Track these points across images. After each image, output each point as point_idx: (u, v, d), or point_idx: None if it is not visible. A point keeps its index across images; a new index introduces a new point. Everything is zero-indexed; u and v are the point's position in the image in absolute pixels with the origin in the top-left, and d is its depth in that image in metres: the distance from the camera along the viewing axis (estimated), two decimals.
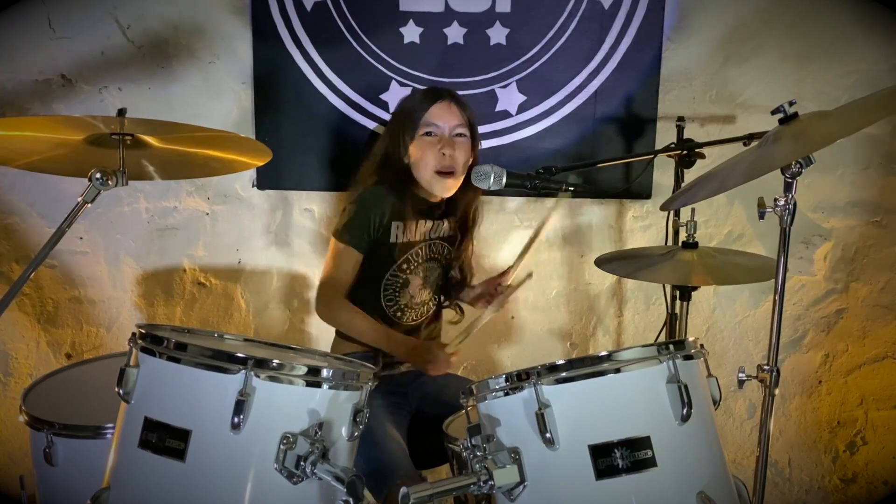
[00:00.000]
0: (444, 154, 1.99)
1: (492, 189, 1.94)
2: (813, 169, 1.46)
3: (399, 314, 2.08)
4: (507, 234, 2.60)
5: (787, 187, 1.48)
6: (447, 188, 2.03)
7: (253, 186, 2.56)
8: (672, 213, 2.26)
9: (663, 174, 2.45)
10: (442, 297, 2.22)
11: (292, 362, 1.40)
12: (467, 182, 2.08)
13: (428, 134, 2.00)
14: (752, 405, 2.70)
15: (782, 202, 1.48)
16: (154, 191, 2.56)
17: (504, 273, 2.12)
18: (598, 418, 1.37)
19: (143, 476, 1.38)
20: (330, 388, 1.42)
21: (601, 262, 2.08)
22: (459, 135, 2.03)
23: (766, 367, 1.54)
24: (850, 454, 2.73)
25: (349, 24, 2.44)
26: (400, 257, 2.03)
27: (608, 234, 2.60)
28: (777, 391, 1.55)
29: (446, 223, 2.13)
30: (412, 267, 2.06)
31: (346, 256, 1.99)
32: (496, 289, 2.11)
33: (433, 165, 1.99)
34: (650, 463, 1.33)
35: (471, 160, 2.06)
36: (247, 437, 1.33)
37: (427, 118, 1.99)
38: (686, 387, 1.35)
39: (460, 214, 2.15)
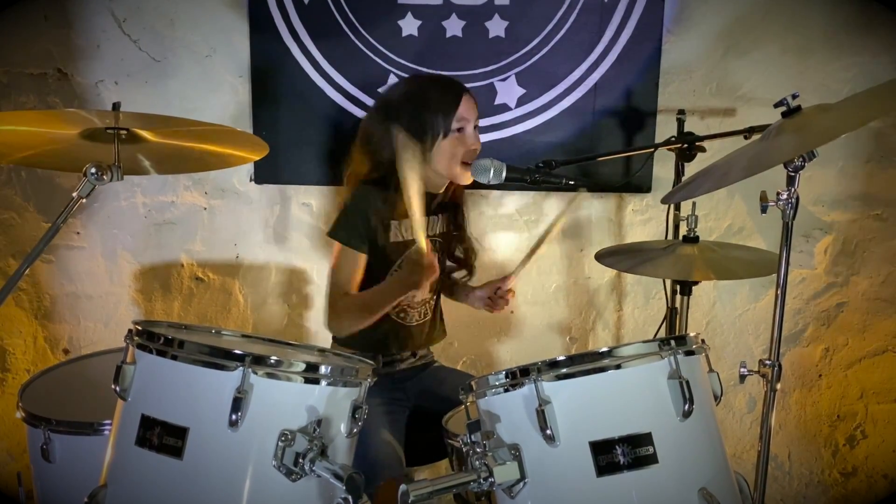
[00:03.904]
0: (474, 149, 2.00)
1: (491, 183, 1.93)
2: (813, 162, 1.44)
3: (402, 314, 2.06)
4: (506, 229, 2.59)
5: (790, 181, 1.47)
6: (468, 177, 2.02)
7: (250, 181, 2.55)
8: (672, 206, 2.25)
9: (663, 167, 2.44)
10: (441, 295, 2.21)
11: (290, 359, 1.39)
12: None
13: (461, 130, 1.99)
14: (751, 399, 2.70)
15: (785, 196, 1.47)
16: (151, 185, 2.55)
17: (506, 278, 2.12)
18: (598, 415, 1.36)
19: (140, 474, 1.37)
20: (328, 384, 1.41)
21: (601, 257, 2.07)
22: (476, 126, 2.04)
23: (767, 362, 1.53)
24: (849, 448, 2.73)
25: (347, 16, 2.42)
26: (399, 256, 2.01)
27: (608, 228, 2.59)
28: (778, 385, 1.54)
29: (441, 219, 2.12)
30: None
31: (347, 258, 1.97)
32: (496, 292, 2.12)
33: (461, 158, 1.99)
34: (651, 459, 1.33)
35: None
36: (245, 435, 1.32)
37: (459, 114, 1.97)
38: (687, 382, 1.35)
39: (451, 206, 2.14)
